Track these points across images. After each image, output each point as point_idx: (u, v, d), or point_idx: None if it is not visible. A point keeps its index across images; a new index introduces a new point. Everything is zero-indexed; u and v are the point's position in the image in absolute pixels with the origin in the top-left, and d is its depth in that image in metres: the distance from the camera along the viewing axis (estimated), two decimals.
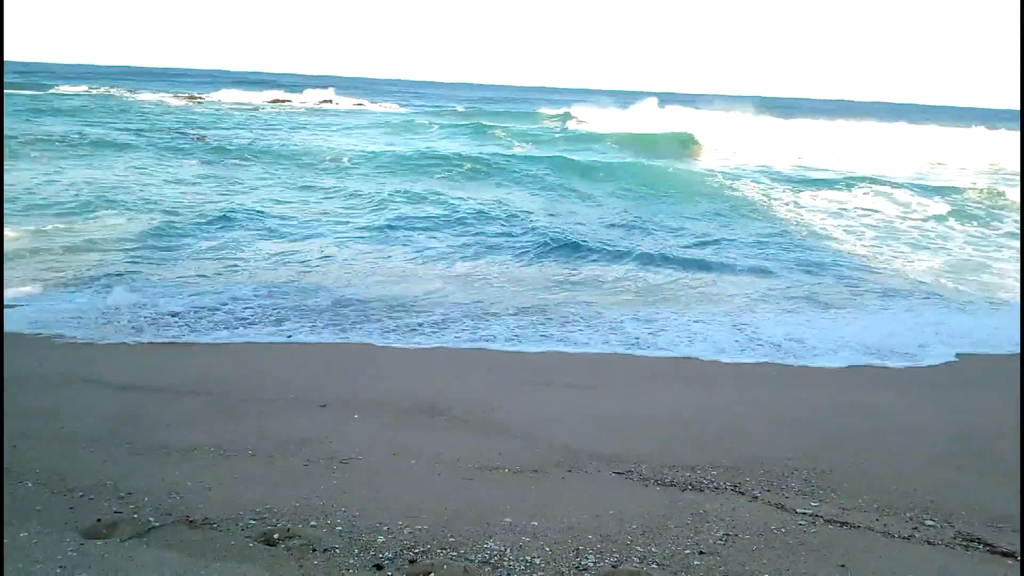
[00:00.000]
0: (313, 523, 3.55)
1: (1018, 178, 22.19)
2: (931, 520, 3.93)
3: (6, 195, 13.46)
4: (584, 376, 6.43)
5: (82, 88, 53.32)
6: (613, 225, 14.27)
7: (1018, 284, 10.78)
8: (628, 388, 6.17)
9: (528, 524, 3.64)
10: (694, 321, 8.23)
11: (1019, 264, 13.55)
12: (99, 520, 3.46)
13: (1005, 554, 3.58)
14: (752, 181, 20.44)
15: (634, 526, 3.67)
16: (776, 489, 4.25)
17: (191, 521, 3.49)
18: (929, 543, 3.66)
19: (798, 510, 3.97)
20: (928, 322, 8.67)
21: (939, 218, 16.48)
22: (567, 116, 41.41)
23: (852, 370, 6.92)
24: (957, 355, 7.47)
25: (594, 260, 11.15)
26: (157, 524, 3.45)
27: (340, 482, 4.07)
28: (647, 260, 11.20)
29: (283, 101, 51.20)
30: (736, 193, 18.42)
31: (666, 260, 11.32)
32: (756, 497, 4.11)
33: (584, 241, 12.08)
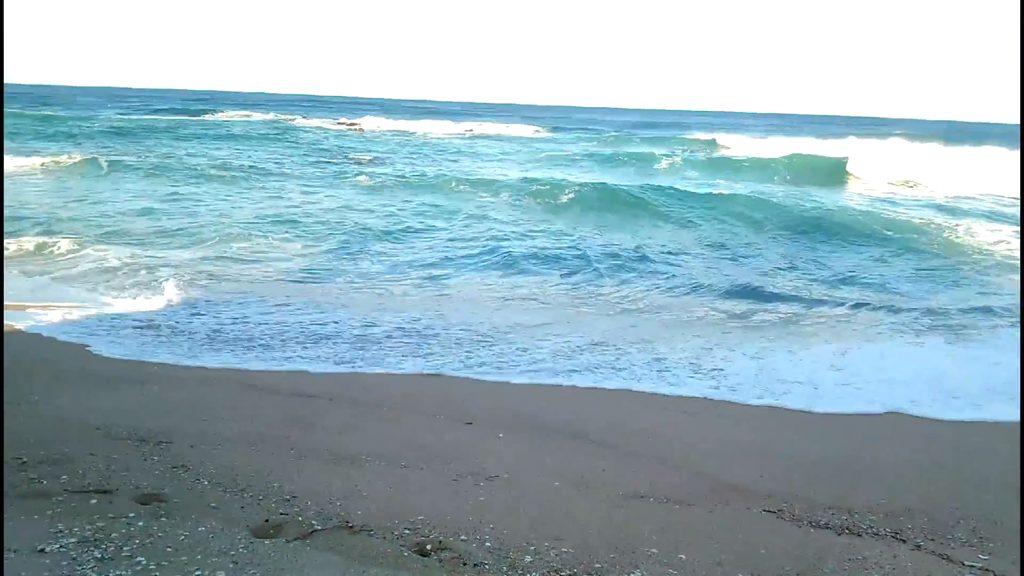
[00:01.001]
0: (463, 537, 3.65)
1: None
2: None
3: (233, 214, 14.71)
4: (736, 410, 6.30)
5: (247, 114, 57.72)
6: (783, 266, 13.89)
7: None
8: (782, 425, 5.99)
9: (675, 557, 3.60)
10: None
11: (1019, 267, 12.41)
12: (267, 520, 3.70)
13: None
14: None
15: (787, 568, 3.56)
16: (941, 538, 4.01)
17: (350, 527, 3.67)
18: None
19: (965, 562, 3.73)
20: None
21: None
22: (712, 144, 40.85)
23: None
24: None
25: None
26: (319, 527, 3.64)
27: (487, 498, 4.16)
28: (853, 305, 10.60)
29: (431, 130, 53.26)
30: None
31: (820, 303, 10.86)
32: (919, 546, 3.89)
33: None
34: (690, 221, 16.88)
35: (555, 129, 58.72)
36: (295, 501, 3.95)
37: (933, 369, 7.64)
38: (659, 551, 3.66)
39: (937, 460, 5.32)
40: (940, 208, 20.55)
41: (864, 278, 12.22)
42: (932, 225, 16.97)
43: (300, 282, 10.48)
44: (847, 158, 28.58)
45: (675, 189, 19.80)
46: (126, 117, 50.13)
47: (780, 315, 9.71)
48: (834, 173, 27.30)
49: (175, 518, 3.61)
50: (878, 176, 27.32)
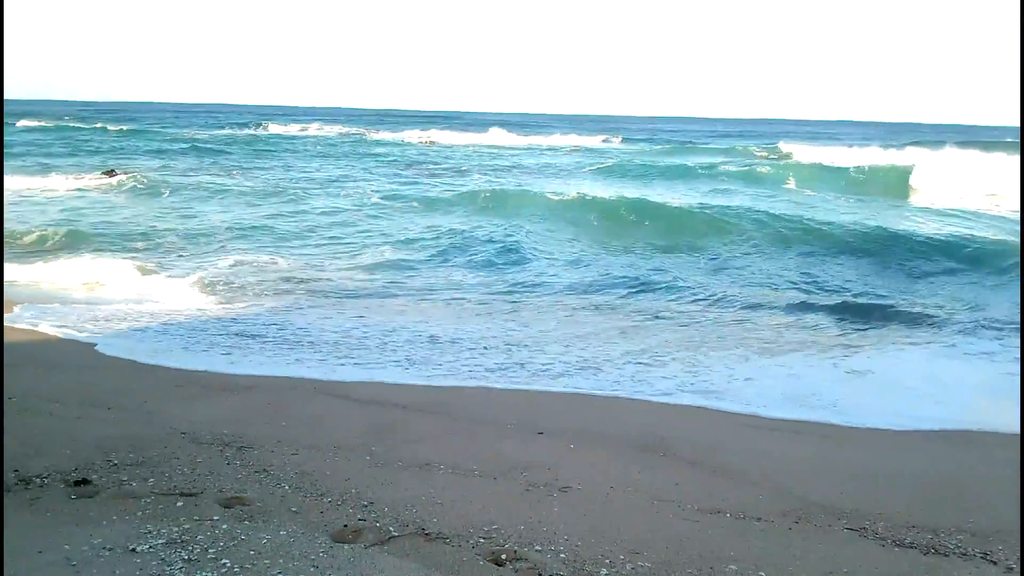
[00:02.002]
0: (538, 548, 3.65)
1: None
2: None
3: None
4: (818, 426, 6.15)
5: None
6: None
7: None
8: (867, 440, 5.83)
9: (756, 574, 3.54)
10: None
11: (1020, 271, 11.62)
12: (346, 525, 3.77)
13: None
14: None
15: None
16: None
17: (427, 534, 3.71)
18: None
19: None
20: None
21: None
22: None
23: None
24: None
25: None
26: (396, 534, 3.70)
27: (560, 509, 4.16)
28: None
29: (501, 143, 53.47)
30: None
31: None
32: (1011, 568, 3.73)
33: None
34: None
35: (626, 140, 58.43)
36: (372, 507, 4.02)
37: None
38: (738, 568, 3.60)
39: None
40: None
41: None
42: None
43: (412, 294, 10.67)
44: (913, 166, 27.40)
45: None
46: (224, 133, 51.95)
47: (862, 333, 9.46)
48: (899, 184, 26.23)
49: (257, 521, 3.72)
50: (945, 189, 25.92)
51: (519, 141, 54.18)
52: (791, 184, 26.57)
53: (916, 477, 5.02)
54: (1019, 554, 3.90)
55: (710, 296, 11.11)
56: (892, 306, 10.72)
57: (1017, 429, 6.17)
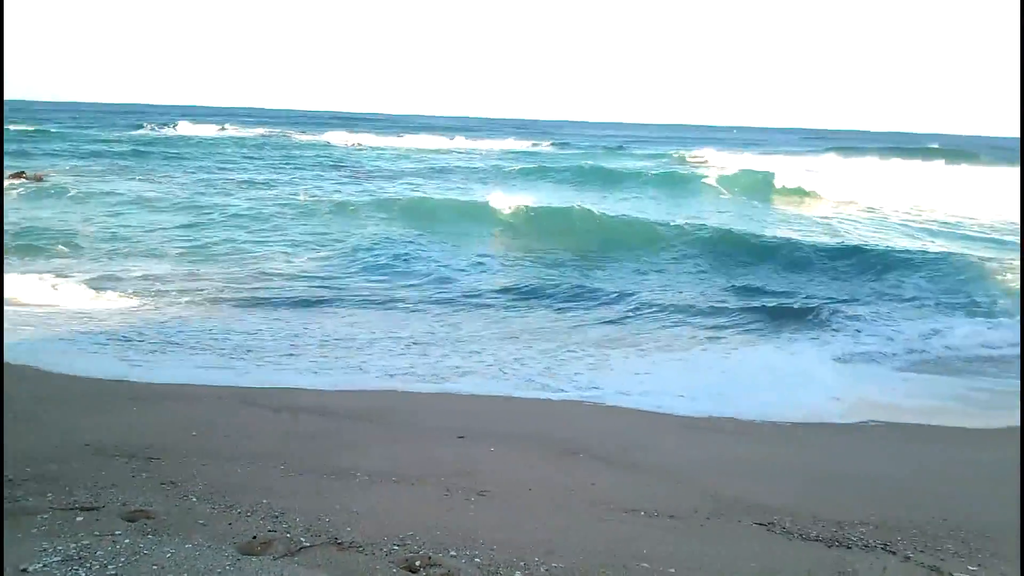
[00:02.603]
0: (452, 553, 3.63)
1: None
2: None
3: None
4: (728, 421, 6.31)
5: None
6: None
7: None
8: (774, 435, 6.00)
9: (666, 571, 3.58)
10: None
11: (1019, 272, 12.47)
12: (255, 537, 3.67)
13: None
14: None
15: None
16: (930, 550, 4.00)
17: (339, 543, 3.65)
18: None
19: (955, 574, 3.72)
20: None
21: None
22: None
23: (1011, 430, 6.44)
24: None
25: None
26: (308, 544, 3.62)
27: (478, 513, 4.15)
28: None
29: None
30: None
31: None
32: (908, 558, 3.88)
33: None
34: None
35: (555, 144, 58.63)
36: (284, 517, 3.93)
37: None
38: (650, 565, 3.64)
39: (923, 470, 5.34)
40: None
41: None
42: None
43: (301, 298, 10.48)
44: (771, 173, 28.66)
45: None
46: (137, 134, 50.12)
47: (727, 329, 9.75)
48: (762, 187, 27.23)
49: (162, 535, 3.59)
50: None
51: (449, 144, 53.93)
52: (707, 189, 27.16)
53: (820, 470, 5.20)
54: (919, 545, 4.06)
55: (621, 299, 11.33)
56: (789, 305, 11.16)
57: (922, 421, 6.46)
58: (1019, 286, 11.03)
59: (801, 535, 4.11)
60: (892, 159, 41.94)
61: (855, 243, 15.65)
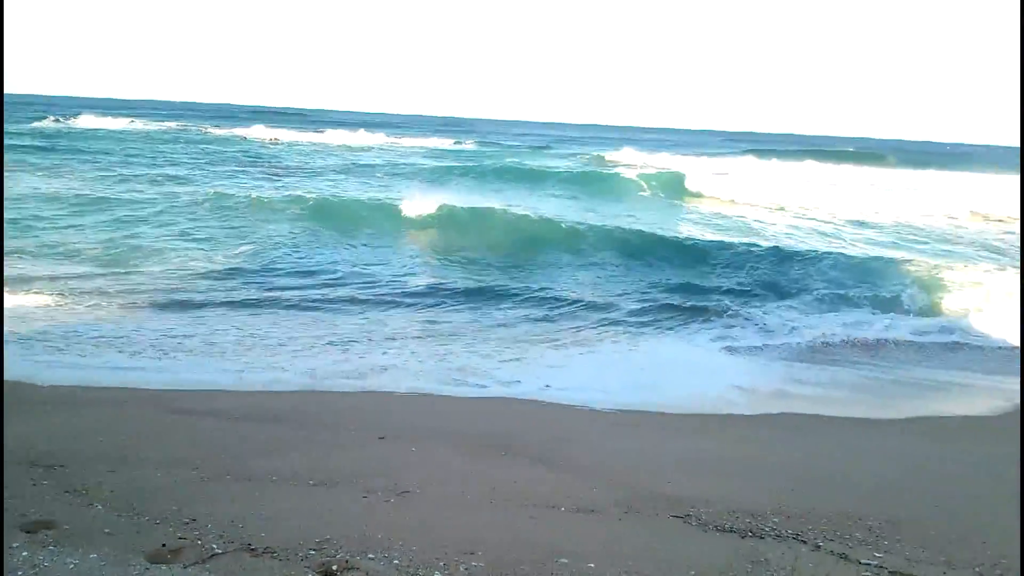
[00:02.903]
0: (371, 555, 3.58)
1: None
2: None
3: None
4: (647, 415, 6.42)
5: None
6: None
7: None
8: (692, 427, 6.13)
9: (585, 566, 3.61)
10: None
11: (1019, 273, 13.21)
12: (164, 545, 3.55)
13: None
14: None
15: (692, 572, 3.61)
16: (840, 538, 4.13)
17: (252, 549, 3.56)
18: None
19: (862, 561, 3.85)
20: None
21: None
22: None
23: (917, 420, 6.74)
24: (1015, 405, 7.26)
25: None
26: (219, 551, 3.52)
27: (398, 515, 4.10)
28: None
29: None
30: None
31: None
32: (819, 546, 4.00)
33: None
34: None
35: (480, 143, 58.35)
36: (195, 524, 3.81)
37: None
38: (569, 561, 3.66)
39: (831, 460, 5.53)
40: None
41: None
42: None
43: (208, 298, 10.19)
44: (682, 174, 29.31)
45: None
46: (38, 125, 47.76)
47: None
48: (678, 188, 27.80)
49: (64, 546, 3.44)
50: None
51: (372, 140, 53.11)
52: (623, 189, 27.47)
53: (734, 461, 5.33)
54: (829, 534, 4.19)
55: (540, 297, 11.40)
56: (699, 301, 11.48)
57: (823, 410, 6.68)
58: (1019, 289, 11.52)
59: (716, 526, 4.20)
60: (806, 161, 43.67)
61: (761, 242, 16.11)
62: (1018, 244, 19.73)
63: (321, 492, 4.38)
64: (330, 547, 3.64)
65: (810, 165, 41.23)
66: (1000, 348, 9.82)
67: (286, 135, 51.62)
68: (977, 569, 3.83)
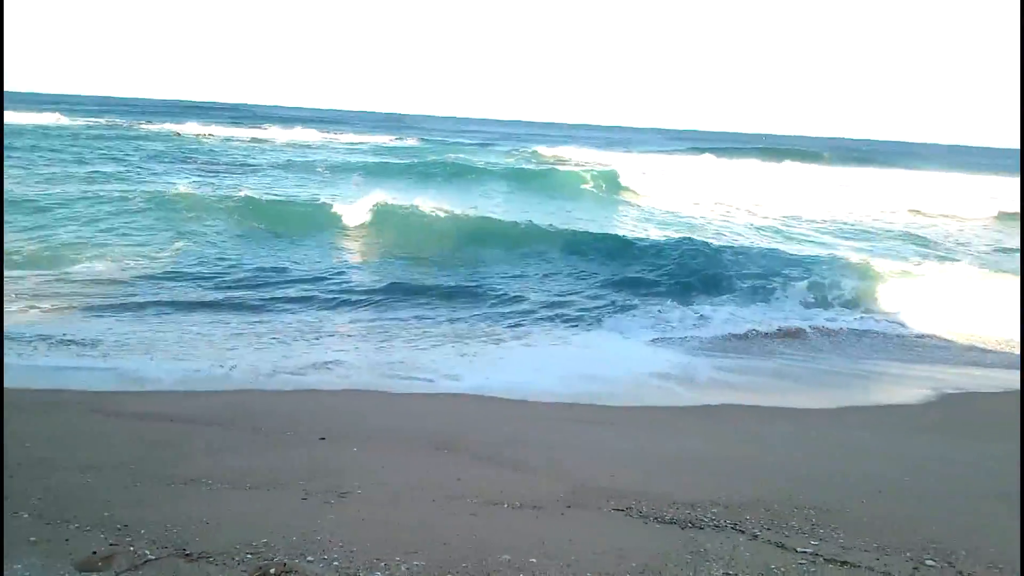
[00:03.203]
0: (310, 558, 3.52)
1: None
2: (932, 560, 3.89)
3: None
4: (598, 412, 6.48)
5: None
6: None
7: None
8: (634, 420, 6.20)
9: (527, 561, 3.61)
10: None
11: (1019, 272, 13.73)
12: (94, 552, 3.44)
13: None
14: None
15: (633, 564, 3.64)
16: (777, 528, 4.22)
17: (187, 554, 3.47)
18: None
19: (798, 549, 3.94)
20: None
21: None
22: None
23: (848, 410, 6.94)
24: (941, 394, 7.57)
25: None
26: (153, 557, 3.43)
27: (338, 516, 4.04)
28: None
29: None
30: None
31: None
32: (756, 536, 4.08)
33: None
34: None
35: (423, 140, 57.70)
36: (128, 530, 3.70)
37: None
38: (512, 557, 3.66)
39: (768, 450, 5.65)
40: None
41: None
42: None
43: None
44: (616, 171, 29.53)
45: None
46: None
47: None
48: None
49: None
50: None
51: (310, 137, 52.21)
52: (557, 187, 27.49)
53: (674, 453, 5.41)
54: (766, 523, 4.28)
55: (478, 294, 11.48)
56: (629, 297, 11.74)
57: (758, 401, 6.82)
58: (1020, 287, 11.87)
59: (656, 518, 4.25)
60: (751, 159, 44.56)
61: (693, 236, 16.35)
62: (945, 238, 20.44)
63: (259, 494, 4.30)
64: (268, 550, 3.57)
65: (752, 163, 42.12)
66: (923, 337, 10.22)
67: (220, 131, 50.50)
68: (908, 554, 3.95)
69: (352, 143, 49.52)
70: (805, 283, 12.43)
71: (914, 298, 11.71)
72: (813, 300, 11.77)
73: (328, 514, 4.06)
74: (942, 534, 4.20)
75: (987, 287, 12.31)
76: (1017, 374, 8.62)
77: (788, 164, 42.87)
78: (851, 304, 11.68)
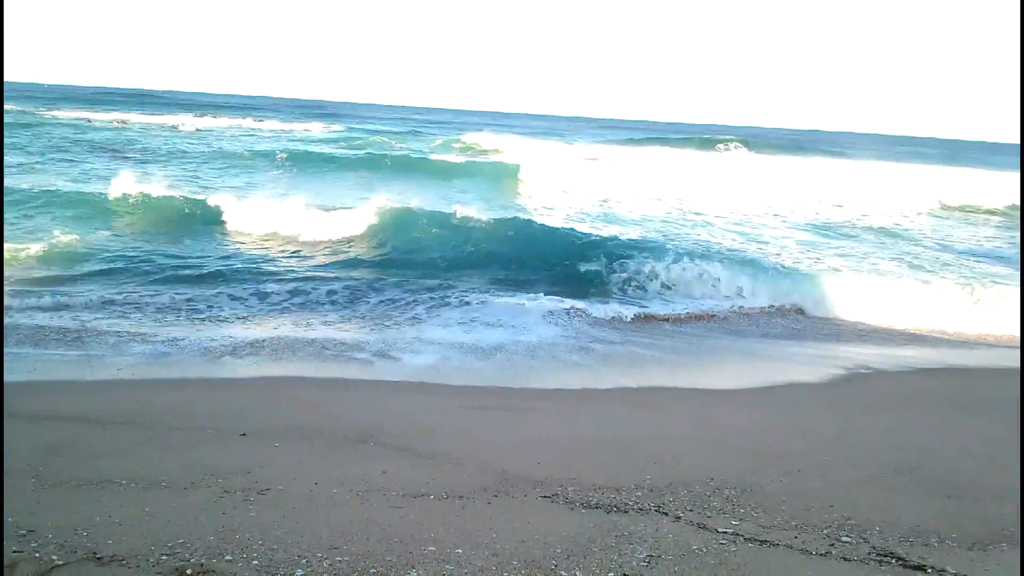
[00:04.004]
0: (228, 558, 3.42)
1: None
2: (847, 536, 4.02)
3: None
4: (524, 398, 6.49)
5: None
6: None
7: None
8: (568, 410, 6.24)
9: (452, 552, 3.59)
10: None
11: (1019, 273, 14.36)
12: None
13: (916, 567, 3.69)
14: None
15: (559, 550, 3.66)
16: (699, 509, 4.30)
17: (98, 558, 3.33)
18: (845, 559, 3.75)
19: (719, 529, 4.02)
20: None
21: None
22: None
23: (769, 389, 7.13)
24: (849, 373, 7.86)
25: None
26: (61, 562, 3.28)
27: (258, 514, 3.94)
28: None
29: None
30: None
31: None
32: (679, 517, 4.14)
33: None
34: None
35: (352, 129, 56.26)
36: (33, 535, 3.53)
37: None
38: (437, 549, 3.63)
39: (689, 432, 5.76)
40: None
41: None
42: None
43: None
44: (519, 165, 28.37)
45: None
46: None
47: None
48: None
49: None
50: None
51: (230, 123, 50.65)
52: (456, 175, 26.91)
53: (598, 438, 5.46)
54: (688, 505, 4.35)
55: (400, 285, 11.30)
56: (538, 286, 11.81)
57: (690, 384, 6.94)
58: (1020, 285, 12.27)
59: (583, 504, 4.27)
60: (687, 149, 45.21)
61: (588, 231, 16.10)
62: (842, 223, 21.00)
63: (175, 494, 4.15)
64: (184, 551, 3.45)
65: (658, 151, 42.73)
66: (827, 320, 10.67)
67: (136, 118, 48.76)
68: (825, 531, 4.07)
69: (276, 131, 48.29)
70: (706, 269, 12.54)
71: (817, 281, 12.17)
72: (717, 286, 12.04)
73: (248, 512, 3.95)
74: (856, 511, 4.35)
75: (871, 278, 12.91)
76: (915, 351, 9.09)
77: (710, 154, 43.75)
78: (754, 291, 11.98)
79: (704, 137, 64.70)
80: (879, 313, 11.05)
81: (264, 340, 7.89)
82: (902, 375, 7.98)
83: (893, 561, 3.75)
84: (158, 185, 17.50)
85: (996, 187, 30.09)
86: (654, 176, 28.35)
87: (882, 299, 11.41)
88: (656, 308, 10.54)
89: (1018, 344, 9.94)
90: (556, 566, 3.51)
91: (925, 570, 3.66)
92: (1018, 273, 14.47)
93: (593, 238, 14.55)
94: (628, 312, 9.95)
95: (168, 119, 50.26)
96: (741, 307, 10.91)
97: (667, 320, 9.97)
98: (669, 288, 11.97)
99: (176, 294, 9.94)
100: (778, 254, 15.10)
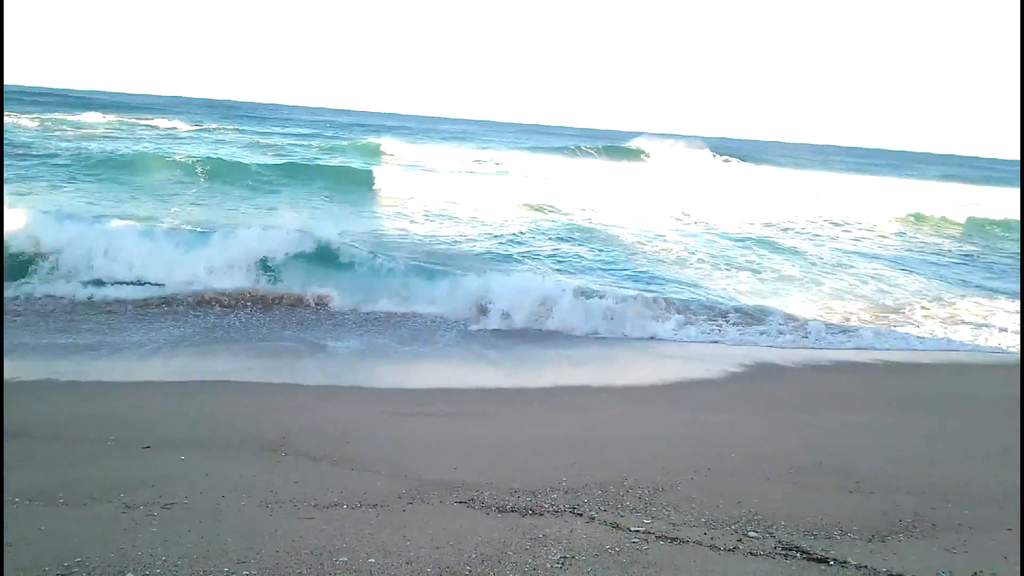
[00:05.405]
0: (130, 574, 3.29)
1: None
2: (754, 532, 4.13)
3: None
4: (441, 403, 6.47)
5: None
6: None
7: None
8: (486, 413, 6.24)
9: (365, 562, 3.53)
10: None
11: (1020, 274, 14.96)
12: None
13: (820, 560, 3.81)
14: None
15: (473, 556, 3.64)
16: (612, 509, 4.34)
17: None
18: (752, 554, 3.84)
19: (632, 528, 4.07)
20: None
21: None
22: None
23: (679, 386, 7.31)
24: (753, 367, 8.14)
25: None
26: None
27: (161, 529, 3.80)
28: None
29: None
30: None
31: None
32: (593, 518, 4.18)
33: None
34: None
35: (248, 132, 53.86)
36: None
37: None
38: (349, 558, 3.57)
39: (600, 433, 5.83)
40: None
41: None
42: None
43: None
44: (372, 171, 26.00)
45: None
46: None
47: None
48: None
49: None
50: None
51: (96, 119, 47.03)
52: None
53: (517, 441, 5.46)
54: (602, 505, 4.39)
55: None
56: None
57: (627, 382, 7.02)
58: (1019, 283, 12.62)
59: (498, 508, 4.27)
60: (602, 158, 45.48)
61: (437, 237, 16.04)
62: (715, 223, 21.22)
63: (71, 511, 3.97)
64: (81, 569, 3.30)
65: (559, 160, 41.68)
66: (741, 311, 10.93)
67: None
68: (734, 527, 4.17)
69: (173, 128, 45.35)
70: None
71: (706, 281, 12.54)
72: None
73: (151, 527, 3.80)
74: (763, 506, 4.48)
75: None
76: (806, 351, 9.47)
77: (629, 163, 44.02)
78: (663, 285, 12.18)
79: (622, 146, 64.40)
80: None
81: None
82: (797, 370, 8.27)
83: (798, 555, 3.86)
84: None
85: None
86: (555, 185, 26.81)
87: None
88: None
89: (1018, 345, 10.48)
90: (470, 571, 3.49)
91: (828, 562, 3.79)
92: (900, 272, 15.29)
93: None
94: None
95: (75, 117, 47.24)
96: None
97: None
98: None
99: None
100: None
